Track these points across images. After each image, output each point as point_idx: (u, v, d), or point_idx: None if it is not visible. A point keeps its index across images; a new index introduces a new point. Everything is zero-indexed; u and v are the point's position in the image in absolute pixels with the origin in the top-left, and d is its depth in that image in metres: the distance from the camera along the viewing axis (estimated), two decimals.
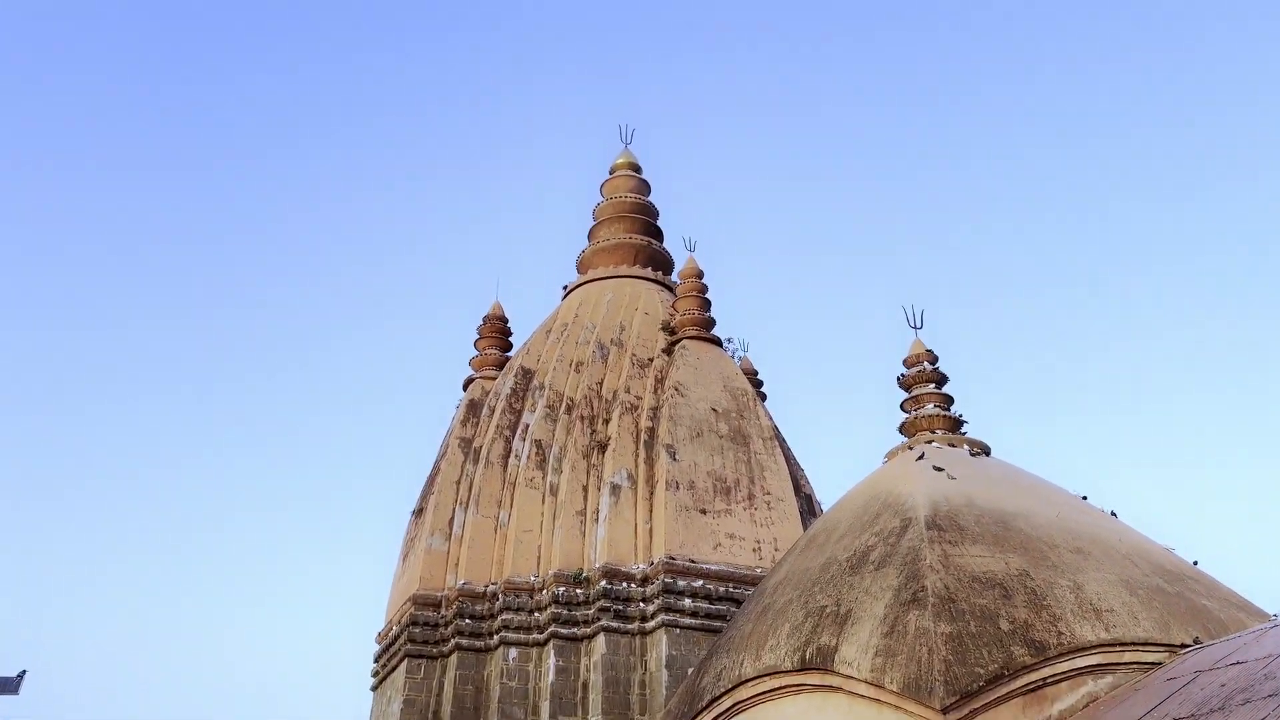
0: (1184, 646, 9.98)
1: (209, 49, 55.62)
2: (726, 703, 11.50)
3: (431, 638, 18.00)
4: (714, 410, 19.66)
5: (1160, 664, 9.84)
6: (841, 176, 56.84)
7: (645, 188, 25.10)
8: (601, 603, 17.08)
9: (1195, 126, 51.72)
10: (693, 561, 17.43)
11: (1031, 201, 54.71)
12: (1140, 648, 9.98)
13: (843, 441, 43.37)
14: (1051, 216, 53.89)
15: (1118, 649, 9.92)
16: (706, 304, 21.62)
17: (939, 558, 10.78)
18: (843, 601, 10.92)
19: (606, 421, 19.60)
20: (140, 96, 54.23)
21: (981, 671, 9.52)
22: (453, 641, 17.69)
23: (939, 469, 12.68)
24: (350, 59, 58.58)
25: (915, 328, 15.29)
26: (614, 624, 16.96)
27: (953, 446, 13.77)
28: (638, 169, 25.36)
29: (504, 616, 17.53)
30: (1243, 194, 50.09)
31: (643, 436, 19.10)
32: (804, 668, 10.65)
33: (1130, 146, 53.19)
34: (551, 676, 16.80)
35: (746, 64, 58.21)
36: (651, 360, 20.65)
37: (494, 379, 22.03)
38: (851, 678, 10.09)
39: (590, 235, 24.47)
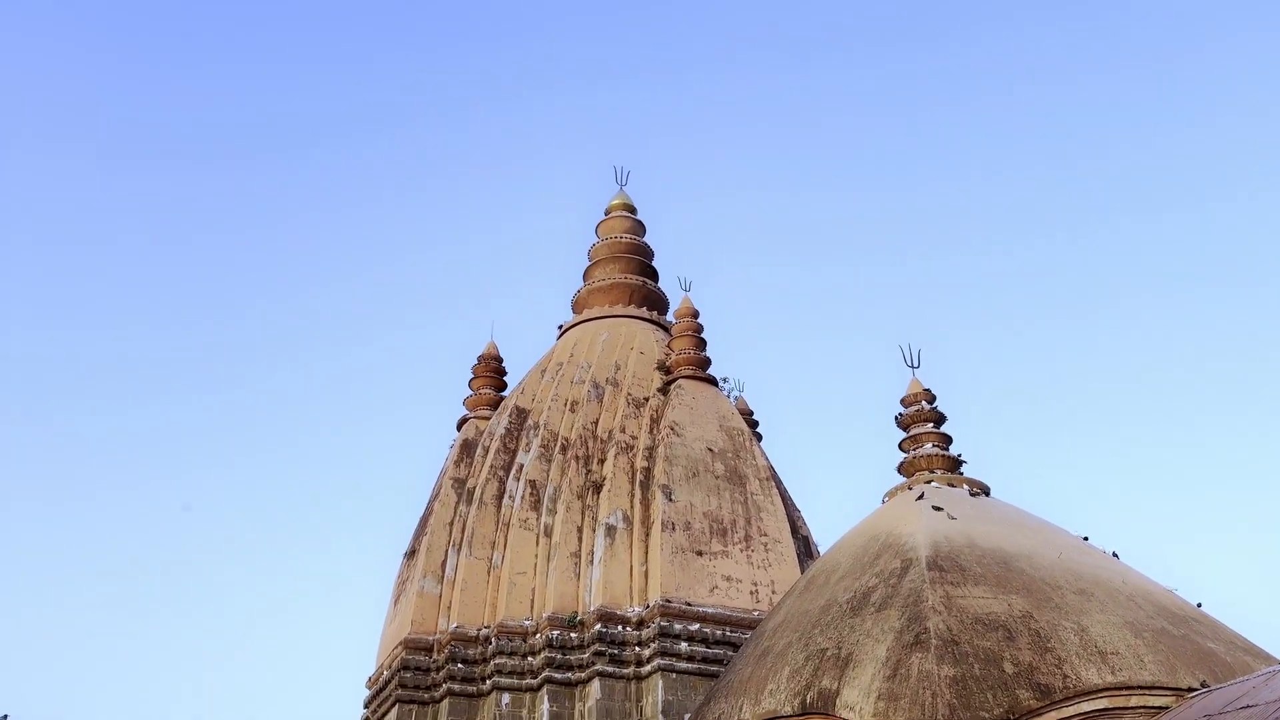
0: (1191, 690, 9.82)
1: (205, 65, 55.82)
2: None
3: (423, 683, 17.69)
4: (710, 450, 19.52)
5: (1167, 708, 9.67)
6: (839, 214, 56.91)
7: (640, 228, 25.15)
8: (596, 646, 16.82)
9: (1214, 153, 51.55)
10: (689, 604, 17.20)
11: (1029, 237, 54.84)
12: (1147, 691, 9.82)
13: (840, 482, 43.03)
14: (1051, 251, 53.92)
15: (1124, 692, 9.77)
16: (702, 343, 21.55)
17: (941, 599, 10.63)
18: (844, 644, 10.75)
19: (601, 461, 19.44)
20: (126, 110, 54.22)
21: (986, 715, 9.36)
22: (444, 686, 17.38)
23: (939, 509, 12.57)
24: (347, 94, 58.99)
25: (913, 366, 15.30)
26: (609, 668, 16.69)
27: (952, 486, 13.70)
28: (633, 209, 25.42)
29: (497, 661, 17.26)
30: (1247, 224, 50.21)
31: (638, 477, 18.93)
32: (805, 712, 10.46)
33: (1140, 173, 52.98)
34: None
35: (742, 104, 58.52)
36: (647, 400, 20.54)
37: (488, 419, 21.89)
38: None
39: (586, 275, 24.47)
